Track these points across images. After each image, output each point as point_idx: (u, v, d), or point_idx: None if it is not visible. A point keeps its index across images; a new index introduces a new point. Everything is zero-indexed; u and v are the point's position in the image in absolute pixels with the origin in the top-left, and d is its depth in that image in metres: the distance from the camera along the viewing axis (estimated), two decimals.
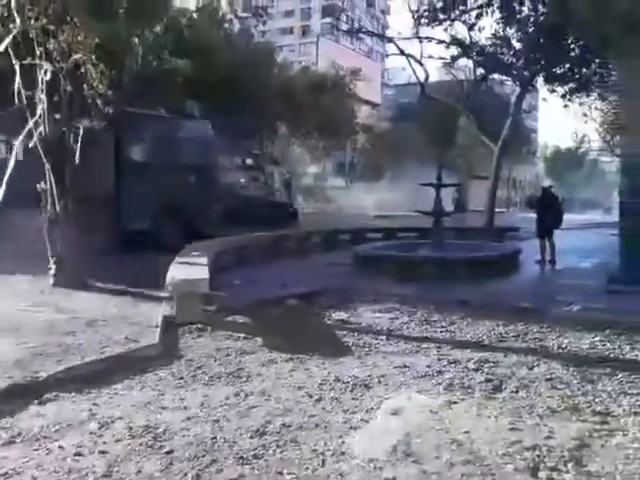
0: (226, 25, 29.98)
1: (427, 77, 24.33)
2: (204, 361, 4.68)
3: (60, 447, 3.17)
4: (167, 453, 3.13)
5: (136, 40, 9.69)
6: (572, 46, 18.58)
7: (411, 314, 6.44)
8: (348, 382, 4.18)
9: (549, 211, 11.66)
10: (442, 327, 5.92)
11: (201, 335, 5.46)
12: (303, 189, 44.76)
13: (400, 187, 43.86)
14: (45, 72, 7.19)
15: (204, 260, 7.43)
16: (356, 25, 26.33)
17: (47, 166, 7.47)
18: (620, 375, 4.40)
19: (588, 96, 24.15)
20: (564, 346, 5.25)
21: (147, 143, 12.76)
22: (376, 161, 51.32)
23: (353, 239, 15.19)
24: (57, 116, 7.51)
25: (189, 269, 6.60)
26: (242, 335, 5.42)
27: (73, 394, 3.91)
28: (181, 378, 4.29)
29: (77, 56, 7.38)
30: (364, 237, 15.51)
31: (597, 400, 3.92)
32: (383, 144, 48.35)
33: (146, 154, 12.63)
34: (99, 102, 7.91)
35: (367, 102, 54.83)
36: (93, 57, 7.62)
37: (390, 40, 26.23)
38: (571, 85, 20.95)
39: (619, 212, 9.33)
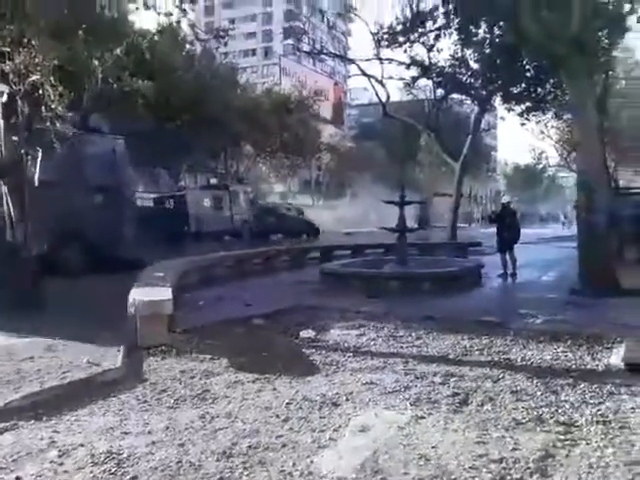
0: (188, 47, 30.04)
1: (388, 97, 24.83)
2: (168, 384, 4.59)
3: (17, 478, 3.06)
4: (131, 479, 3.04)
5: (96, 62, 9.61)
6: (527, 66, 19.20)
7: (378, 330, 6.47)
8: (316, 401, 4.16)
9: (508, 226, 11.95)
10: (408, 342, 5.96)
11: (165, 357, 5.36)
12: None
13: (364, 204, 44.31)
14: (1, 94, 7.06)
15: (167, 280, 7.34)
16: (318, 46, 26.54)
17: (4, 189, 7.29)
18: (582, 385, 4.49)
19: (544, 114, 24.95)
20: (528, 358, 5.34)
21: (50, 161, 11.86)
22: (340, 179, 51.80)
23: (322, 256, 15.29)
24: (15, 138, 7.37)
25: (152, 290, 6.50)
26: (207, 356, 5.34)
27: (32, 422, 3.78)
28: (145, 402, 4.20)
29: (35, 77, 7.27)
30: (332, 254, 15.62)
31: (560, 410, 3.98)
32: (347, 163, 48.89)
33: (48, 173, 11.66)
34: (58, 124, 7.79)
35: (330, 122, 55.51)
36: (52, 78, 7.51)
37: (352, 61, 26.63)
38: (527, 104, 21.59)
39: (577, 225, 9.61)
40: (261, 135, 35.07)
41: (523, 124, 23.07)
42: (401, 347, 5.78)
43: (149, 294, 6.20)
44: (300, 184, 54.86)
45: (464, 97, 25.43)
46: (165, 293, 6.25)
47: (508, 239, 11.98)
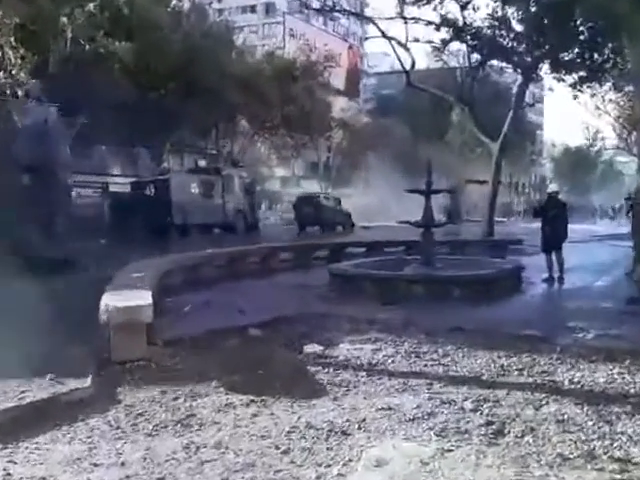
0: (174, 2, 30.10)
1: (413, 64, 24.72)
2: (147, 407, 4.61)
3: None
4: None
5: (64, 19, 9.64)
6: (581, 28, 19.10)
7: (397, 345, 6.46)
8: (322, 429, 4.15)
9: (555, 221, 11.91)
10: (433, 360, 5.95)
11: (143, 374, 5.38)
12: (269, 195, 44.97)
13: (383, 193, 44.33)
14: None
15: (147, 283, 7.36)
16: (329, 2, 26.45)
17: None
18: None
19: (601, 86, 24.82)
20: (577, 381, 5.32)
21: None
22: (354, 162, 51.84)
23: (331, 255, 15.36)
24: None
25: (128, 294, 6.52)
26: (194, 374, 5.36)
27: None
28: (118, 427, 4.22)
29: None
30: (343, 253, 15.72)
31: (616, 444, 3.96)
32: (362, 142, 48.88)
33: None
34: (19, 92, 7.82)
35: (343, 93, 55.47)
36: (12, 39, 7.53)
37: (370, 20, 26.57)
38: (581, 73, 21.51)
39: (632, 221, 9.56)
40: (260, 108, 35.14)
41: (575, 97, 22.97)
42: (424, 365, 5.77)
43: (125, 299, 6.22)
44: (306, 167, 55.02)
45: (504, 64, 25.24)
46: (144, 297, 6.27)
47: (554, 236, 11.96)
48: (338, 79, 52.30)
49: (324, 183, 51.92)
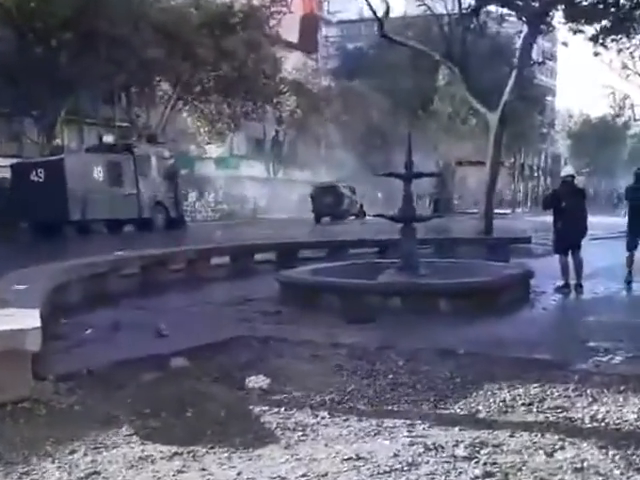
0: None
1: (388, 9, 24.86)
2: (34, 462, 4.54)
3: None
4: None
5: None
6: None
7: (368, 375, 6.49)
8: None
9: (571, 213, 12.11)
10: (416, 393, 5.99)
11: (30, 419, 5.30)
12: (199, 182, 44.77)
13: (350, 178, 44.56)
14: None
15: (34, 298, 7.25)
16: None
17: None
18: None
19: (629, 38, 25.25)
20: (600, 417, 5.41)
21: None
22: (312, 137, 51.98)
23: (280, 259, 15.50)
24: None
25: (7, 315, 6.42)
26: (97, 418, 5.30)
27: None
28: None
29: None
30: (297, 256, 15.98)
31: None
32: (322, 111, 49.03)
33: None
34: None
35: (297, 47, 55.53)
36: None
37: None
38: (604, 22, 21.88)
39: None
40: (186, 66, 34.96)
41: (597, 54, 23.40)
42: (404, 401, 5.81)
43: (1, 321, 6.11)
44: (248, 145, 54.91)
45: (505, 10, 25.59)
46: (29, 319, 6.17)
47: (571, 233, 12.17)
48: (290, 29, 52.26)
49: (273, 165, 51.99)
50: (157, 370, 6.62)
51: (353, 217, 38.16)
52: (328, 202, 38.56)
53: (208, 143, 46.42)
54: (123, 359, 6.90)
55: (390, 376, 6.49)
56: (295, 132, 51.62)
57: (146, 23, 30.24)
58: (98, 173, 26.81)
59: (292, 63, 48.61)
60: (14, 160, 26.42)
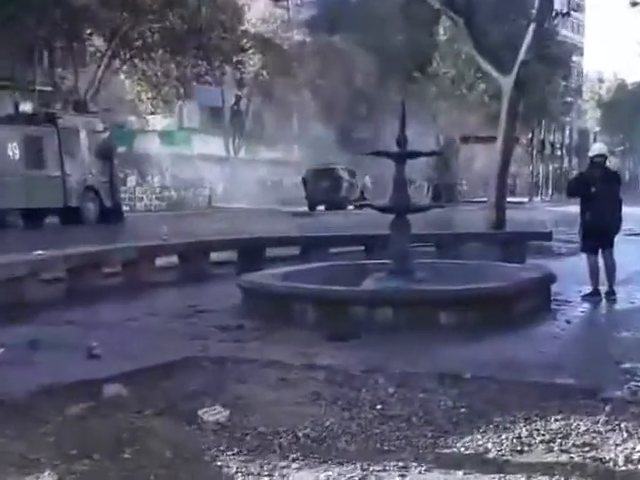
0: None
1: None
2: None
3: None
4: None
5: None
6: None
7: (351, 405, 6.48)
8: None
9: (603, 203, 12.15)
10: (411, 428, 5.99)
11: None
12: (139, 162, 44.54)
13: (331, 155, 44.54)
14: None
15: None
16: None
17: None
18: None
19: None
20: (637, 459, 5.44)
21: None
22: (282, 106, 51.86)
23: (244, 260, 15.49)
24: None
25: None
26: (10, 461, 5.24)
27: None
28: None
29: None
30: (264, 255, 15.96)
31: None
32: (295, 73, 48.92)
33: None
34: None
35: None
36: None
37: None
38: None
39: None
40: (122, 16, 34.75)
41: (635, 4, 23.51)
42: (396, 438, 5.80)
43: None
44: (202, 115, 54.68)
45: None
46: None
47: (601, 227, 12.20)
48: None
49: (233, 140, 51.72)
50: (87, 400, 6.56)
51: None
52: (324, 187, 40.23)
53: (151, 113, 46.20)
54: (44, 386, 6.82)
55: (378, 406, 6.47)
56: (261, 99, 51.39)
57: None
58: (12, 150, 26.53)
59: (257, 13, 48.46)
60: None
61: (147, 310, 11.35)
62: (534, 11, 23.63)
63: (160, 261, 15.10)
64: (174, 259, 15.43)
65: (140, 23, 36.51)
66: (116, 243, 16.67)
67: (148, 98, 42.94)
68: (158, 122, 48.52)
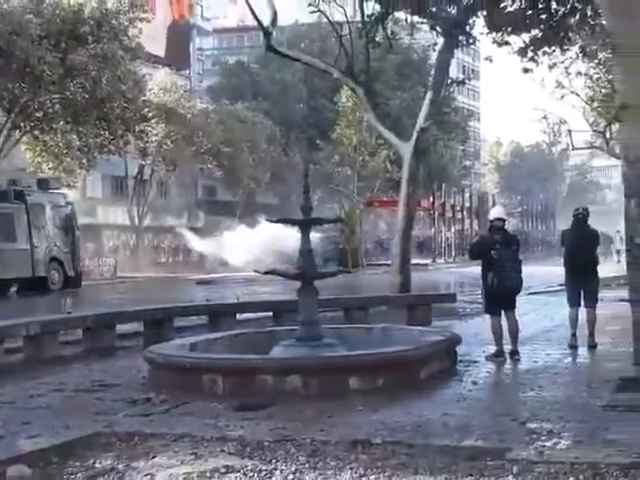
0: None
1: (275, 16, 24.98)
2: None
3: None
4: None
5: None
6: None
7: (264, 476, 6.44)
8: None
9: (504, 265, 12.33)
10: None
11: None
12: None
13: (232, 224, 44.52)
14: None
15: None
16: None
17: None
18: None
19: (563, 51, 26.08)
20: None
21: None
22: (188, 175, 51.77)
23: (151, 331, 15.33)
24: None
25: None
26: None
27: None
28: None
29: None
30: (172, 325, 15.77)
31: None
32: (197, 141, 48.94)
33: None
34: None
35: (165, 62, 55.55)
36: None
37: None
38: (533, 32, 22.55)
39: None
40: (21, 85, 34.40)
41: (526, 71, 24.09)
42: None
43: None
44: (105, 184, 54.29)
45: (417, 19, 26.12)
46: None
47: (503, 289, 12.37)
48: (155, 40, 52.33)
49: (137, 209, 51.36)
50: None
51: None
52: None
53: (54, 181, 45.60)
54: None
55: (290, 477, 6.45)
56: (165, 168, 51.20)
57: None
58: None
59: (158, 82, 48.47)
60: None
61: (52, 386, 11.08)
62: (430, 79, 24.05)
63: (63, 336, 14.80)
64: (78, 333, 15.10)
65: (40, 94, 36.12)
66: (20, 317, 16.26)
67: (50, 169, 42.28)
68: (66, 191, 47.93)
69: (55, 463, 6.93)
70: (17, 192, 32.44)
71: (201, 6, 73.35)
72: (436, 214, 57.30)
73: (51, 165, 41.86)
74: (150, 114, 45.12)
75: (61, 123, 39.08)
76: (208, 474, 6.55)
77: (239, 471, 6.62)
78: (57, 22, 36.75)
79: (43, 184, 35.70)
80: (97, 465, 6.85)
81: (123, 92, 39.50)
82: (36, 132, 39.96)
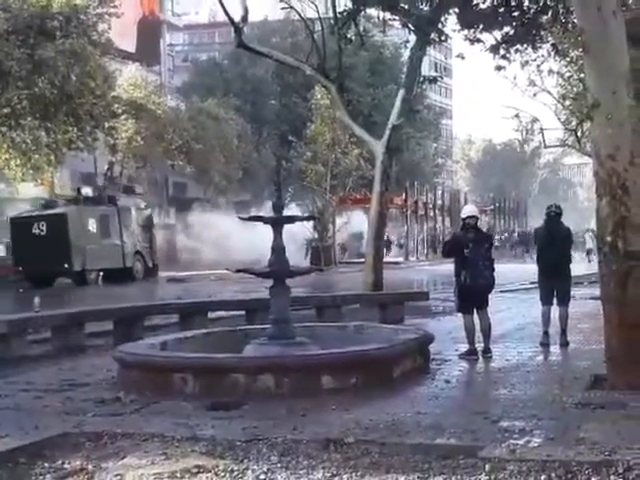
0: None
1: (246, 12, 24.94)
2: None
3: None
4: None
5: None
6: None
7: (234, 477, 6.43)
8: None
9: (476, 262, 12.39)
10: None
11: None
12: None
13: (203, 222, 44.43)
14: None
15: None
16: None
17: None
18: None
19: (535, 49, 26.22)
20: None
21: None
22: (158, 172, 51.58)
23: (121, 330, 15.26)
24: None
25: None
26: None
27: None
28: None
29: None
30: (142, 324, 15.78)
31: None
32: (170, 139, 48.76)
33: None
34: None
35: (134, 58, 55.31)
36: None
37: None
38: (506, 30, 22.65)
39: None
40: None
41: (499, 68, 24.19)
42: None
43: None
44: (76, 181, 53.93)
45: (389, 16, 26.14)
46: None
47: (476, 287, 12.45)
48: (125, 36, 52.04)
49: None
50: None
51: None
52: None
53: (22, 180, 45.18)
54: None
55: (262, 477, 6.44)
56: (135, 165, 50.95)
57: None
58: (92, 225, 34.96)
59: (128, 78, 48.22)
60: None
61: (20, 386, 11.02)
62: (403, 77, 24.06)
63: (31, 335, 14.76)
64: (46, 332, 14.99)
65: (8, 90, 35.82)
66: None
67: (17, 165, 41.90)
68: (28, 190, 47.43)
69: (23, 464, 6.89)
70: (110, 197, 39.03)
71: (172, 2, 73.11)
72: (409, 212, 57.22)
73: (19, 162, 41.48)
74: (120, 110, 44.82)
75: (29, 119, 38.70)
76: (179, 474, 6.54)
77: (210, 471, 6.62)
78: (25, 17, 36.40)
79: (128, 190, 43.26)
80: (66, 466, 6.83)
81: (92, 88, 39.19)
82: (3, 129, 39.57)
